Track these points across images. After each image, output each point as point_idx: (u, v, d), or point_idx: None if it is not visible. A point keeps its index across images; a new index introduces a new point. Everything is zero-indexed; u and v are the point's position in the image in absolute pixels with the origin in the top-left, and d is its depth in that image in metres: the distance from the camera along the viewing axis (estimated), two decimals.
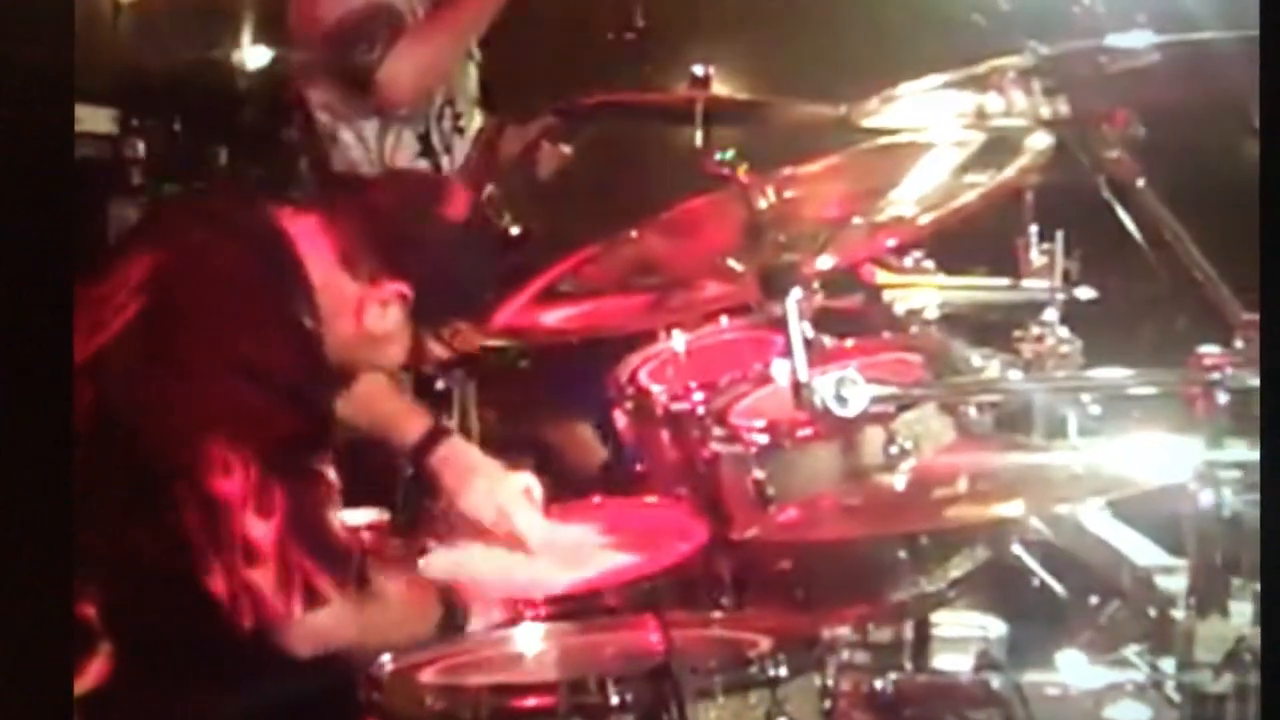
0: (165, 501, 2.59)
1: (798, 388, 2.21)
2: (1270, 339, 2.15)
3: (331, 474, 2.65)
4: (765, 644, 2.45)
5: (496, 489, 3.16)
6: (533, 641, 2.63)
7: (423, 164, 4.54)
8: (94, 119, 5.30)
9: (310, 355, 2.71)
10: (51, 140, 2.20)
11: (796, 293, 2.30)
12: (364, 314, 2.80)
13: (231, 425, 2.56)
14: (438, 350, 3.06)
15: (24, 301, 2.10)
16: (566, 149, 4.65)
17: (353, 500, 2.94)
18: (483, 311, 2.93)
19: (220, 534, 2.55)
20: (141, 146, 5.25)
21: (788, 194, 2.45)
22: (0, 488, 2.07)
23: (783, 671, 2.37)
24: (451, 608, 2.81)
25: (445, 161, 4.57)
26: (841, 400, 2.17)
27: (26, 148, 2.14)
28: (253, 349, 2.62)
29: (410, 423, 3.25)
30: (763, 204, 2.42)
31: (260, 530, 2.54)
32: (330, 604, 2.60)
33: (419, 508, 3.42)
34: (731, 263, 2.61)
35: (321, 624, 2.61)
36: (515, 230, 4.44)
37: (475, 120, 4.69)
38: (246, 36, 6.52)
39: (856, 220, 2.59)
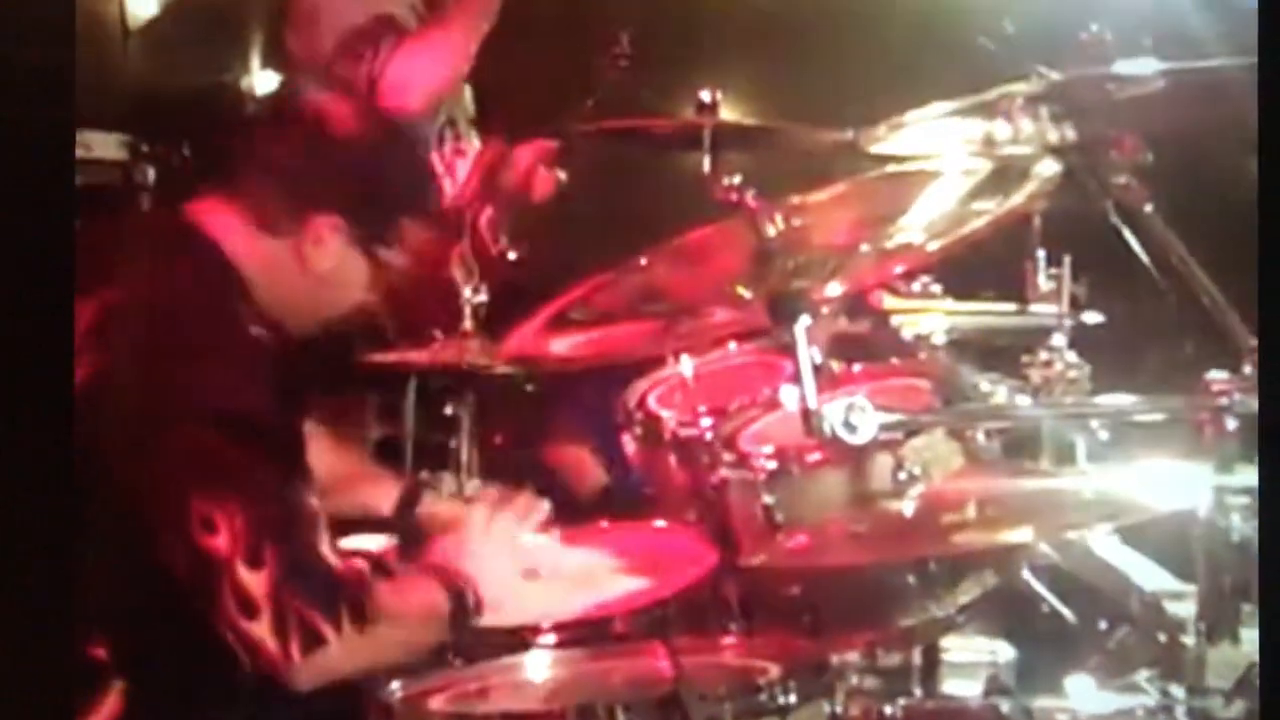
0: (159, 549, 2.55)
1: (807, 414, 2.22)
2: (1268, 362, 2.15)
3: (315, 503, 2.62)
4: (775, 671, 2.45)
5: (493, 531, 3.01)
6: (542, 669, 2.63)
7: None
8: (103, 145, 5.31)
9: (269, 372, 2.65)
10: (52, 142, 2.20)
11: (805, 319, 2.31)
12: (305, 259, 2.74)
13: (210, 480, 2.52)
14: (395, 260, 2.91)
15: (24, 307, 2.10)
16: (562, 174, 4.66)
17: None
18: (426, 204, 2.89)
19: (212, 589, 2.51)
20: (151, 172, 5.26)
21: (796, 221, 2.45)
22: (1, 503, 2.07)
23: (792, 699, 2.38)
24: (461, 599, 2.72)
25: (447, 184, 4.57)
26: (850, 427, 2.17)
27: (26, 149, 2.13)
28: (214, 393, 2.56)
29: (380, 488, 3.18)
30: (771, 231, 2.43)
31: (253, 582, 2.50)
32: (329, 644, 2.55)
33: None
34: (741, 290, 2.61)
35: (324, 663, 2.56)
36: (512, 255, 4.44)
37: (475, 143, 4.70)
38: (255, 61, 6.55)
39: (865, 248, 2.60)
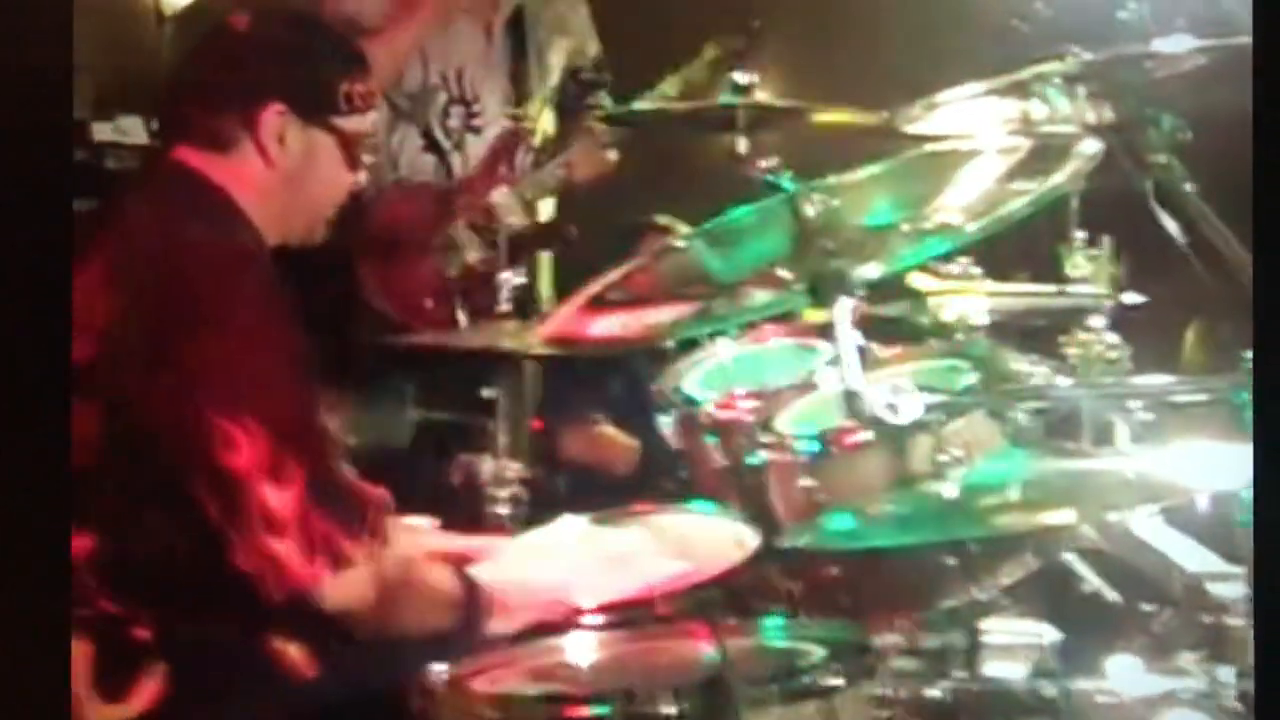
0: (185, 499, 2.59)
1: (849, 396, 2.22)
2: (1265, 361, 2.13)
3: (335, 427, 2.65)
4: (818, 653, 2.45)
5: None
6: (585, 651, 2.63)
7: (428, 161, 4.55)
8: (137, 129, 5.33)
9: (279, 294, 2.72)
10: (50, 143, 2.19)
11: (846, 301, 2.30)
12: (272, 158, 2.83)
13: (232, 397, 2.57)
14: (353, 125, 2.96)
15: (22, 306, 2.10)
16: (611, 154, 4.65)
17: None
18: (355, 53, 2.96)
19: (239, 510, 2.54)
20: None
21: (835, 202, 2.44)
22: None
23: (837, 681, 2.37)
24: (473, 605, 2.77)
25: (456, 160, 4.57)
26: (893, 409, 2.17)
27: (26, 150, 2.13)
28: (228, 310, 2.62)
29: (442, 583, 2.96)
30: (810, 212, 2.42)
31: (279, 500, 2.54)
32: (355, 565, 2.60)
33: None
34: (781, 271, 2.61)
35: (349, 586, 2.60)
36: (514, 221, 4.40)
37: (545, 121, 4.67)
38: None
39: (904, 228, 2.59)
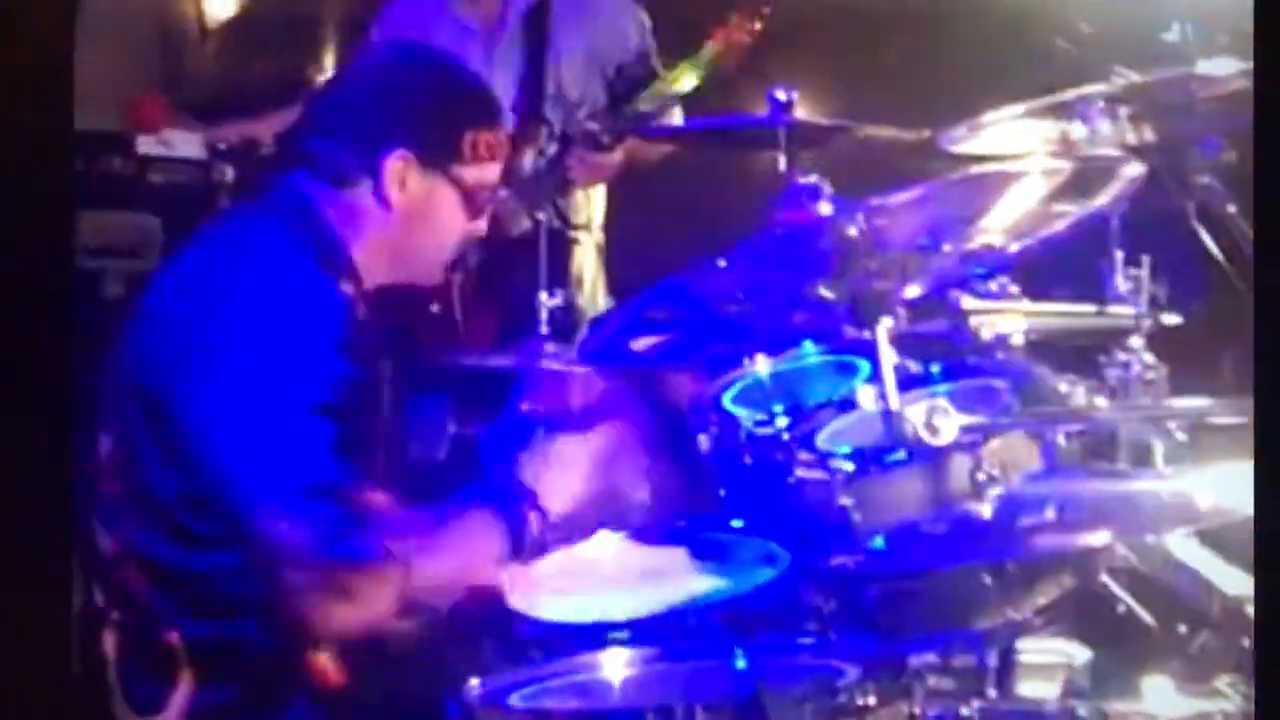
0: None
1: (888, 416, 2.22)
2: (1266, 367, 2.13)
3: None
4: (853, 672, 2.45)
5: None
6: (620, 668, 2.64)
7: None
8: (184, 143, 5.35)
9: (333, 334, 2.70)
10: (49, 143, 2.21)
11: (887, 321, 2.31)
12: (385, 198, 2.83)
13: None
14: (476, 175, 2.97)
15: (23, 307, 2.11)
16: (615, 156, 4.64)
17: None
18: (486, 112, 2.94)
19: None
20: (230, 171, 5.28)
21: (877, 222, 2.45)
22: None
23: (871, 700, 2.37)
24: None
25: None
26: (932, 429, 2.18)
27: (25, 151, 2.15)
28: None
29: None
30: (853, 232, 2.43)
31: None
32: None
33: None
34: (823, 291, 2.62)
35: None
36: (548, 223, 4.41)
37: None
38: (330, 57, 6.58)
39: (945, 248, 2.60)
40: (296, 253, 2.76)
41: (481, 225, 2.97)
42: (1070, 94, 3.03)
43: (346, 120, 2.87)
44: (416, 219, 2.86)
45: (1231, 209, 2.70)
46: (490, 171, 2.91)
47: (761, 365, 3.49)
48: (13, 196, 2.13)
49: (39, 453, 2.11)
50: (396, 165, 2.81)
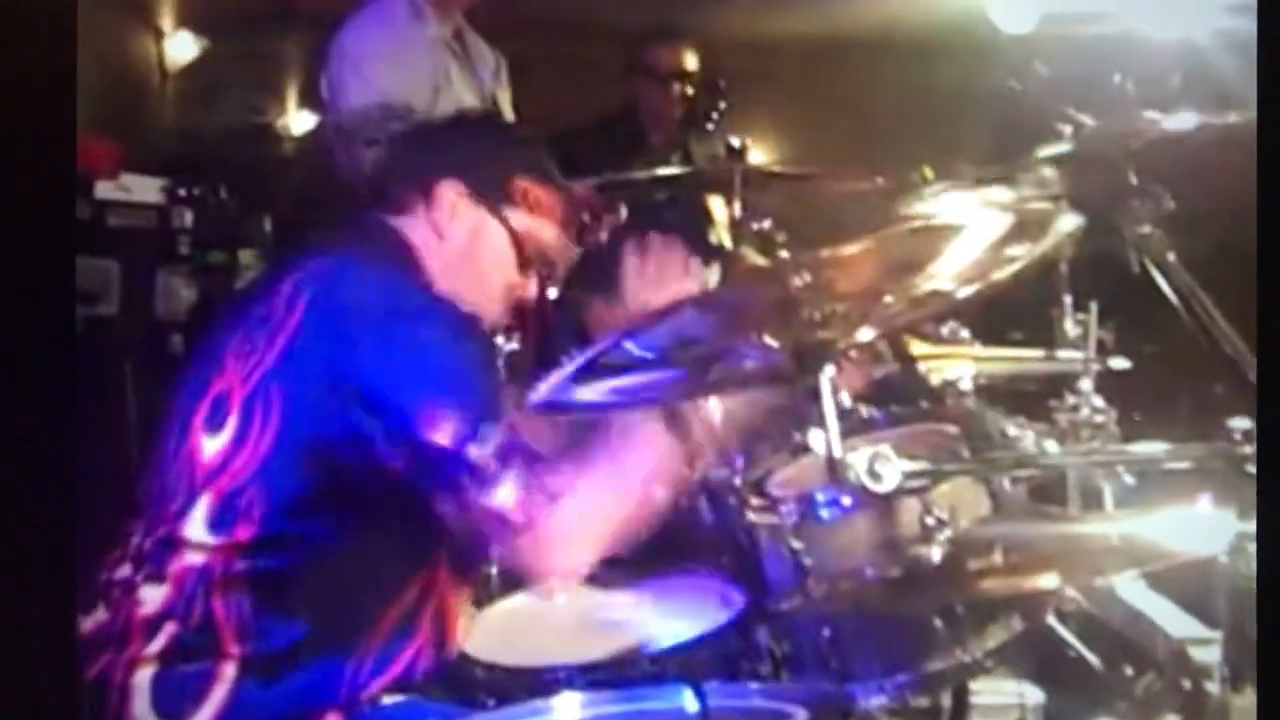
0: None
1: (832, 463, 2.25)
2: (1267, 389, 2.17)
3: None
4: (801, 715, 2.47)
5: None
6: (571, 711, 2.65)
7: None
8: (142, 188, 5.37)
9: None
10: (51, 146, 2.21)
11: (829, 369, 2.34)
12: (443, 233, 3.00)
13: None
14: (525, 224, 3.07)
15: (25, 312, 2.12)
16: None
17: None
18: (537, 156, 3.12)
19: None
20: (189, 216, 5.31)
21: (823, 273, 2.48)
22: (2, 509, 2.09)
23: None
24: None
25: None
26: (875, 476, 2.21)
27: (26, 153, 2.16)
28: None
29: None
30: (798, 282, 2.46)
31: None
32: None
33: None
34: (767, 339, 2.64)
35: None
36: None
37: None
38: (292, 102, 6.60)
39: (889, 298, 2.62)
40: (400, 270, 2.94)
41: (531, 286, 3.12)
42: (1025, 159, 3.08)
43: (406, 157, 3.16)
44: (469, 250, 3.02)
45: (1171, 258, 2.74)
46: (541, 229, 3.07)
47: (714, 409, 3.52)
48: (12, 197, 2.14)
49: (40, 462, 2.11)
50: (448, 195, 2.99)
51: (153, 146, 5.48)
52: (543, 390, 2.55)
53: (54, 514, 2.11)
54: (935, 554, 2.69)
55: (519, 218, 3.04)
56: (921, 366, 3.49)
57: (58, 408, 2.14)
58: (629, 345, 2.63)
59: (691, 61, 5.46)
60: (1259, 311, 2.14)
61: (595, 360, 2.63)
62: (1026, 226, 2.59)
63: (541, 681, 2.88)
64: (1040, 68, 3.99)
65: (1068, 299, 3.48)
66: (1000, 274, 2.68)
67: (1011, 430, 3.23)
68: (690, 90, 5.41)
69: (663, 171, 4.70)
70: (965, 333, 3.59)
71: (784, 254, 2.56)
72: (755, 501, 3.04)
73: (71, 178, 2.54)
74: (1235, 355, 2.63)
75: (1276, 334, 2.10)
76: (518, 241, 3.04)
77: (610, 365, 2.71)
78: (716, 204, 4.76)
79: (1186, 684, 2.66)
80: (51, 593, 2.11)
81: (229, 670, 2.66)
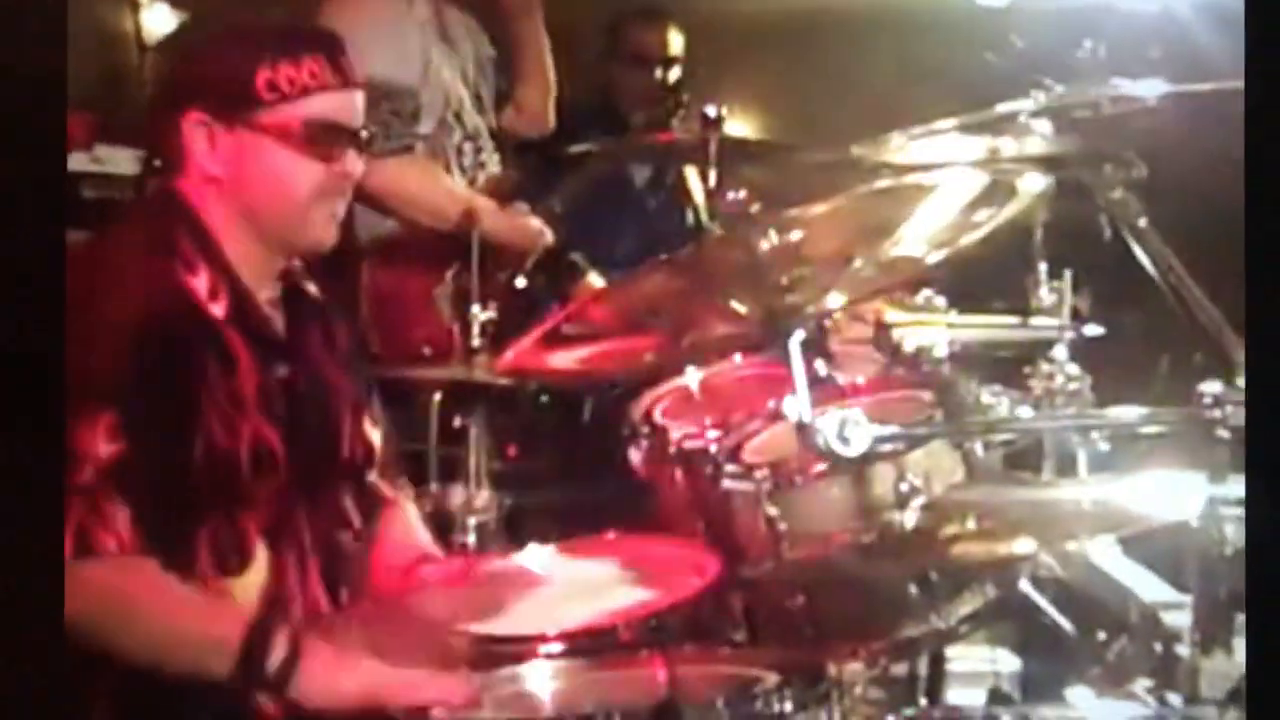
0: None
1: (802, 428, 2.25)
2: (1256, 373, 2.17)
3: None
4: (771, 679, 2.47)
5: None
6: (543, 679, 2.65)
7: None
8: (115, 160, 5.35)
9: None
10: (44, 145, 2.21)
11: (799, 334, 2.34)
12: (202, 166, 2.72)
13: None
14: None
15: (17, 312, 2.11)
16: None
17: None
18: (281, 36, 2.77)
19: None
20: None
21: (790, 236, 2.47)
22: None
23: (788, 707, 2.40)
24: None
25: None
26: (845, 440, 2.20)
27: (19, 153, 2.15)
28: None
29: None
30: (764, 246, 2.45)
31: None
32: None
33: None
34: (735, 304, 2.64)
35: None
36: (521, 282, 4.45)
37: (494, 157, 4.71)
38: None
39: (858, 261, 2.62)
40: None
41: (345, 165, 2.78)
42: (997, 109, 3.06)
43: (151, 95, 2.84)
44: (245, 181, 2.73)
45: (1142, 223, 2.73)
46: (305, 108, 2.71)
47: (690, 377, 3.53)
48: (8, 197, 2.13)
49: (29, 456, 2.11)
50: (196, 129, 2.70)
51: (128, 119, 5.43)
52: (509, 356, 2.55)
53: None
54: (909, 520, 2.70)
55: (276, 114, 2.68)
56: (895, 333, 3.48)
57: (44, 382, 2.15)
58: (595, 312, 2.64)
59: (675, 45, 5.45)
60: (1247, 280, 2.13)
61: (559, 327, 2.63)
62: (996, 188, 2.59)
63: (514, 649, 2.87)
64: (1016, 40, 3.99)
65: (1042, 266, 3.46)
66: (970, 238, 2.68)
67: (986, 397, 3.22)
68: (672, 75, 5.40)
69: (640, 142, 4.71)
70: (940, 300, 3.58)
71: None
72: (730, 468, 3.04)
73: (61, 158, 2.50)
74: (1208, 321, 2.63)
75: (1264, 302, 2.10)
76: (292, 139, 2.69)
77: (577, 334, 2.71)
78: (693, 179, 4.78)
79: (1158, 648, 2.67)
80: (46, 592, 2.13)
81: None
